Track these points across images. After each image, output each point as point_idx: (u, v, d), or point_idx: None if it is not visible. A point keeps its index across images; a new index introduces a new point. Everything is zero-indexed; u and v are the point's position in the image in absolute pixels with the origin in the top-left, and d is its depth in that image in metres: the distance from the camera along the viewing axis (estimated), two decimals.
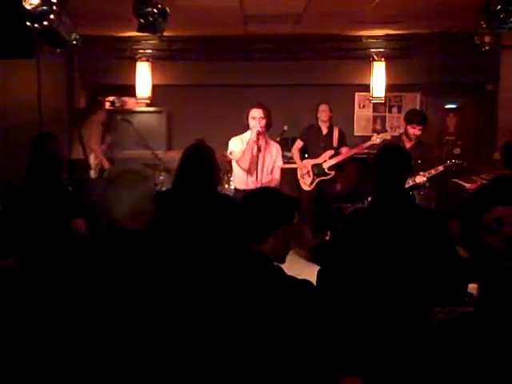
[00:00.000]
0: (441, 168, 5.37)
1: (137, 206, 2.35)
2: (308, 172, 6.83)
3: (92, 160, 6.70)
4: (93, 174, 6.68)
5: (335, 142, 6.86)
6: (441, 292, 2.70)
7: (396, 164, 2.78)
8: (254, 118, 4.73)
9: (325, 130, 6.88)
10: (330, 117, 6.86)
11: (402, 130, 5.94)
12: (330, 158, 6.76)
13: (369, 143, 6.60)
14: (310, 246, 2.71)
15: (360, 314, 2.67)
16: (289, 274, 2.13)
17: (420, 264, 2.66)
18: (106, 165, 6.87)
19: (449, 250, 2.67)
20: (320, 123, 6.88)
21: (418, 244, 2.65)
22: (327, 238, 7.16)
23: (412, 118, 5.38)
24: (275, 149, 5.01)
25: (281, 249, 2.18)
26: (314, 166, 6.78)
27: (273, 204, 2.17)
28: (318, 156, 6.80)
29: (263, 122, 4.73)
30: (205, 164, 3.17)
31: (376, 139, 6.51)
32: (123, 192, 2.35)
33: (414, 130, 5.34)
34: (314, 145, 6.88)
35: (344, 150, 6.82)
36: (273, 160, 4.96)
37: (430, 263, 2.65)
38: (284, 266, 2.18)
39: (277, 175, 4.98)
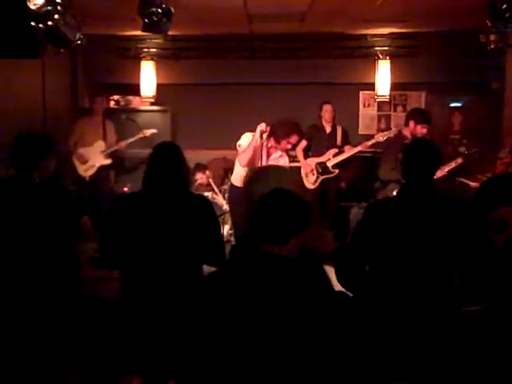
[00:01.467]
0: (460, 160, 5.52)
1: None
2: (312, 170, 6.82)
3: (75, 161, 6.62)
4: (82, 172, 6.60)
5: (339, 141, 6.86)
6: (466, 289, 2.67)
7: (426, 158, 2.77)
8: (289, 143, 4.78)
9: (328, 129, 6.89)
10: (334, 116, 6.86)
11: (402, 128, 5.89)
12: (334, 156, 6.76)
13: (372, 141, 6.60)
14: (331, 250, 2.68)
15: (383, 307, 2.65)
16: None
17: (448, 258, 2.62)
18: (104, 162, 6.77)
19: (478, 244, 2.65)
20: (323, 122, 6.88)
21: (445, 238, 2.61)
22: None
23: (422, 118, 5.35)
24: (282, 162, 4.97)
25: (296, 251, 2.15)
26: (317, 164, 6.78)
27: (299, 208, 2.14)
28: (321, 154, 6.81)
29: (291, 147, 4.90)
30: (176, 162, 2.99)
31: (379, 137, 6.52)
32: (270, 186, 2.29)
33: (423, 130, 5.34)
34: (318, 144, 6.88)
35: (347, 148, 6.82)
36: None
37: (458, 257, 2.62)
38: None
39: None
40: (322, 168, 6.76)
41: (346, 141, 6.90)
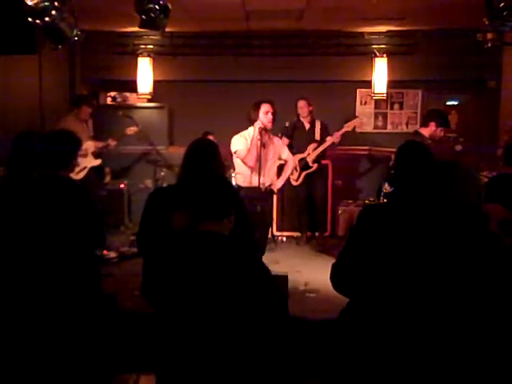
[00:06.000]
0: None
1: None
2: (295, 167, 6.82)
3: None
4: (74, 175, 6.38)
5: (317, 135, 6.86)
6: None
7: (417, 160, 2.73)
8: (266, 113, 4.83)
9: (307, 125, 6.89)
10: (310, 111, 6.86)
11: (418, 128, 5.85)
12: (313, 150, 6.78)
13: (342, 131, 6.70)
14: None
15: (378, 312, 2.60)
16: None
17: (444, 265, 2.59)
18: (95, 163, 6.64)
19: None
20: (302, 119, 6.90)
21: (441, 241, 2.56)
22: (327, 233, 7.20)
23: (443, 121, 5.32)
24: (276, 141, 5.16)
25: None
26: (299, 160, 6.78)
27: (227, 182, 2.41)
28: (303, 151, 6.81)
29: (272, 116, 4.86)
30: (210, 159, 3.14)
31: (347, 127, 6.72)
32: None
33: (441, 133, 5.33)
34: (298, 140, 6.87)
35: (328, 139, 6.82)
36: (277, 154, 5.09)
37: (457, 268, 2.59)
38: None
39: (289, 158, 5.37)
40: (303, 164, 6.78)
41: (325, 134, 6.86)
